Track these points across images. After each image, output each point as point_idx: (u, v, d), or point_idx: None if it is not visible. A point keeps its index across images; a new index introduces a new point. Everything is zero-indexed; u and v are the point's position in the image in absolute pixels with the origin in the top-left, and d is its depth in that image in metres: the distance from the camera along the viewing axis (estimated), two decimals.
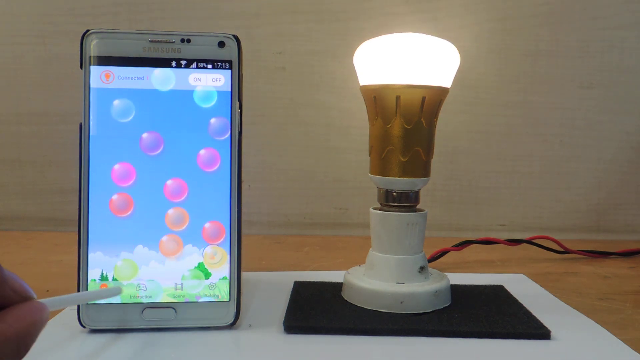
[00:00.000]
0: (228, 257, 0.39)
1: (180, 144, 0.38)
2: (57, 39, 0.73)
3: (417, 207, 0.45)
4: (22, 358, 0.24)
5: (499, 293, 0.47)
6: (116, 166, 0.38)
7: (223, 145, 0.39)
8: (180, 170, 0.38)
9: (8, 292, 0.24)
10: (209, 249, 0.39)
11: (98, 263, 0.38)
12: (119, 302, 0.38)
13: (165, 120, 0.38)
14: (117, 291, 0.36)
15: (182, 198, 0.39)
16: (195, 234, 0.39)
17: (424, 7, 0.74)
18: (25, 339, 0.24)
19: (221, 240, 0.39)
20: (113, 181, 0.38)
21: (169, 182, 0.38)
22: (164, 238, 0.38)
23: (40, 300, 0.26)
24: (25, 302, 0.25)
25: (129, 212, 0.38)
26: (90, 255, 0.38)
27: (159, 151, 0.38)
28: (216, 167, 0.39)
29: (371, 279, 0.44)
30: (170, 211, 0.38)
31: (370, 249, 0.45)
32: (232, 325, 0.39)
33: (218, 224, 0.39)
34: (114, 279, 0.38)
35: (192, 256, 0.38)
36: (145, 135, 0.38)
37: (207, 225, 0.39)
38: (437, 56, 0.42)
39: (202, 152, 0.39)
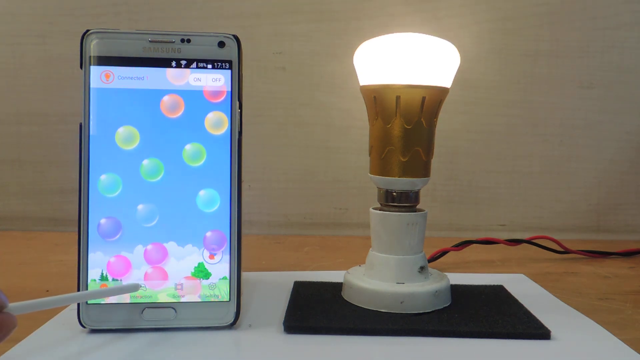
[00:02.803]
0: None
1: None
2: (57, 39, 0.73)
3: (417, 207, 0.45)
4: None
5: (499, 293, 0.47)
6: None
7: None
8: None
9: None
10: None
11: (98, 263, 0.38)
12: (119, 302, 0.38)
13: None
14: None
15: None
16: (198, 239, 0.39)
17: (424, 7, 0.73)
18: None
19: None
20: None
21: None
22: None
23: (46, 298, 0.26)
24: None
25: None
26: (90, 255, 0.38)
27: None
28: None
29: (371, 279, 0.44)
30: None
31: (370, 249, 0.45)
32: (232, 325, 0.39)
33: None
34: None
35: (192, 256, 0.39)
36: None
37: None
38: (437, 56, 0.42)
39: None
